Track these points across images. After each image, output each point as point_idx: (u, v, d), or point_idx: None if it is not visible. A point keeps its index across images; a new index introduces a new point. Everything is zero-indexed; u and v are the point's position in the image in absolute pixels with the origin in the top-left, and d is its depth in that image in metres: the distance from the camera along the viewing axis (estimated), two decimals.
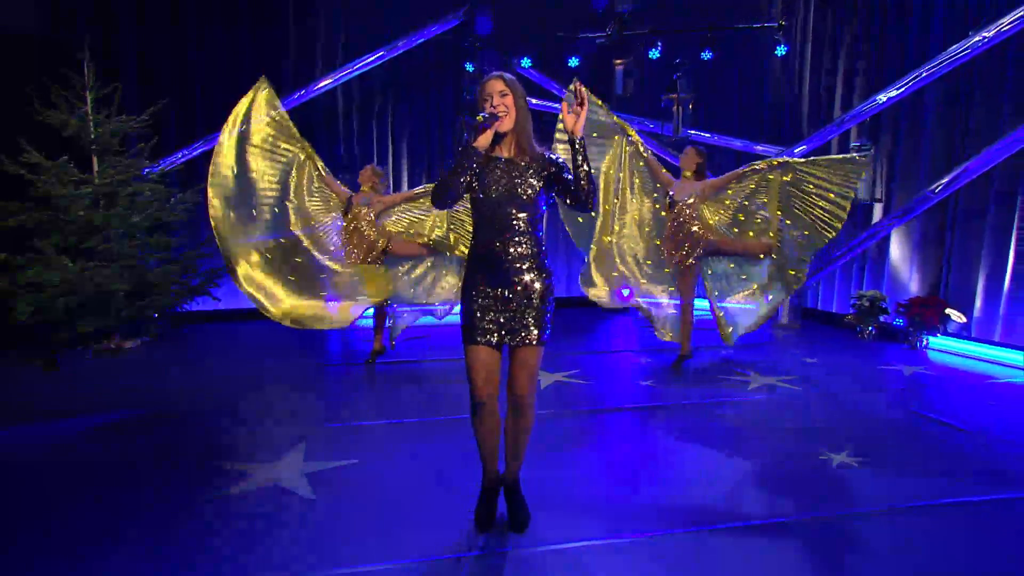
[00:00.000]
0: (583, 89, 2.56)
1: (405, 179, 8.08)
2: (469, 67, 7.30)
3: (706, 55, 6.68)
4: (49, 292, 5.20)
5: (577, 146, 2.56)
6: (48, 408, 4.41)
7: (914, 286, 6.32)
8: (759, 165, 5.24)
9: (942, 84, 5.89)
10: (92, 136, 5.76)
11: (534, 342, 2.61)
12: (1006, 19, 5.20)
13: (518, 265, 2.59)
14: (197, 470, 3.40)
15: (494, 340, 2.62)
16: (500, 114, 2.52)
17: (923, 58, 5.96)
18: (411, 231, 5.47)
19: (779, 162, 5.22)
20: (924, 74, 5.72)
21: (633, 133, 5.41)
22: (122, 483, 3.26)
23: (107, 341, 5.72)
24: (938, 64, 5.61)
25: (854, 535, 2.67)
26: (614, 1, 6.10)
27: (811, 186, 5.05)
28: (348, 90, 7.62)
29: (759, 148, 7.53)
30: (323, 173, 5.27)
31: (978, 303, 5.79)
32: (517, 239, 2.58)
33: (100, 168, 5.82)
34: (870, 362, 5.53)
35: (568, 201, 2.63)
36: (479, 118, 2.44)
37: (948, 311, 5.69)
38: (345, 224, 5.32)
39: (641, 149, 5.38)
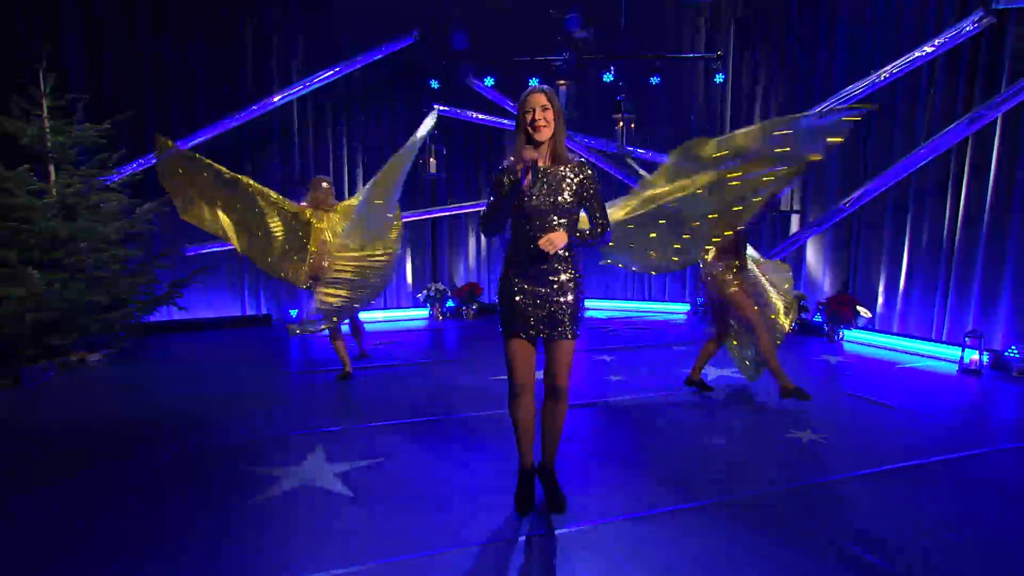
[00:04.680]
0: None
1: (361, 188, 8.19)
2: (434, 84, 7.54)
3: (655, 80, 7.31)
4: (12, 306, 5.01)
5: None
6: (43, 423, 4.33)
7: (827, 285, 7.24)
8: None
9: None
10: (48, 144, 5.57)
11: (569, 336, 2.89)
12: (901, 60, 6.15)
13: (555, 266, 2.82)
14: (225, 476, 3.45)
15: (532, 334, 2.88)
16: (541, 126, 2.73)
17: (828, 87, 6.90)
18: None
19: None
20: (833, 104, 6.62)
21: None
22: (155, 491, 3.29)
23: (70, 355, 5.53)
24: (845, 96, 6.51)
25: (841, 497, 3.20)
26: (571, 28, 6.53)
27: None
28: (303, 106, 7.68)
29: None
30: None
31: (880, 299, 6.75)
32: None
33: (57, 177, 5.63)
34: (799, 354, 6.31)
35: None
36: (540, 164, 2.76)
37: (858, 307, 6.61)
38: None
39: None
